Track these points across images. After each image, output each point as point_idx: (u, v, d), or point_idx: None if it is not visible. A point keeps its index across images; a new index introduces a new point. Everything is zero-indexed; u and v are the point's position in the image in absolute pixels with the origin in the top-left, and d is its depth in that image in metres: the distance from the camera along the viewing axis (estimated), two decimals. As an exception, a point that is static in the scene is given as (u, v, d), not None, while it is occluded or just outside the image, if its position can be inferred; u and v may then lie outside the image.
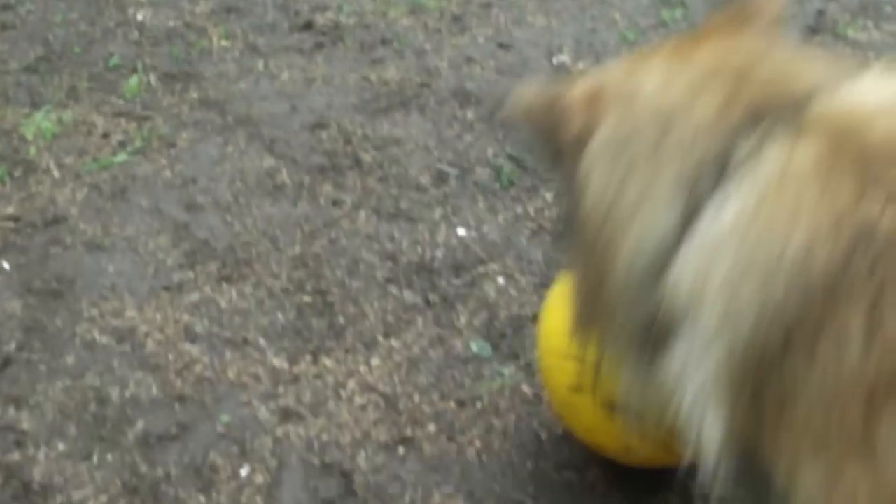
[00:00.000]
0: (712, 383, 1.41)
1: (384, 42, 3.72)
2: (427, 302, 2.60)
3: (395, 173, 3.04)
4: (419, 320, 2.55)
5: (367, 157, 3.10)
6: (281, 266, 2.70)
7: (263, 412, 2.31)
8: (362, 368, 2.42)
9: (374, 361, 2.44)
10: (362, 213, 2.89)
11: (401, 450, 2.24)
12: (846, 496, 1.33)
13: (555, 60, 3.66)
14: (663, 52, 1.55)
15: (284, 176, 3.02)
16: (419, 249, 2.77)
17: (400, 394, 2.36)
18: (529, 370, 2.39)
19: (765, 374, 1.35)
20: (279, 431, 2.27)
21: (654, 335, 1.47)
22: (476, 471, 2.19)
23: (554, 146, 1.57)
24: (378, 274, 2.68)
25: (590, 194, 1.48)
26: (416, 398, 2.35)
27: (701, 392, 1.44)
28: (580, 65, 3.60)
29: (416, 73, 3.52)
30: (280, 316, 2.56)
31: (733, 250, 1.35)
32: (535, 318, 2.42)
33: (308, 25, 3.80)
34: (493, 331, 2.52)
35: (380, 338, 2.50)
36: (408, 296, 2.62)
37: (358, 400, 2.35)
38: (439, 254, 2.75)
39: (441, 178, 3.03)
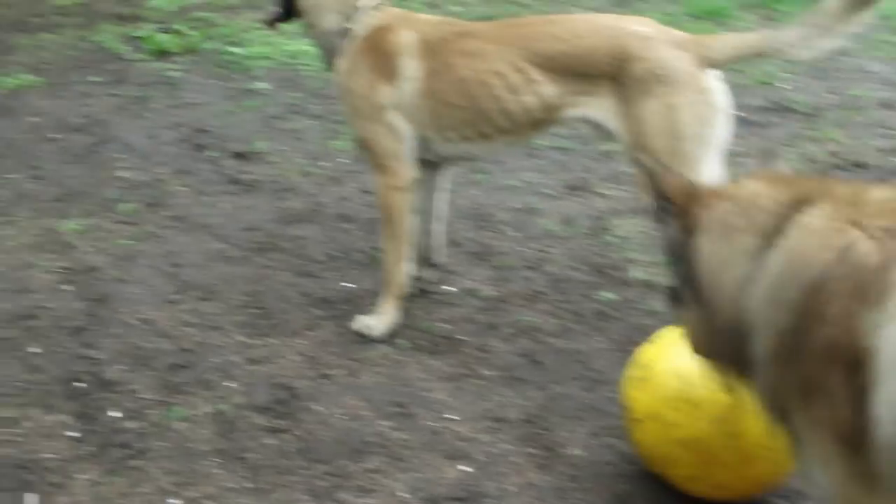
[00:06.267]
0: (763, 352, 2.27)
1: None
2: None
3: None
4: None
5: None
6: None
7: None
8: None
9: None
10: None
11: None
12: (815, 425, 2.14)
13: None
14: (720, 188, 2.52)
15: None
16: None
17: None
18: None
19: (788, 344, 2.18)
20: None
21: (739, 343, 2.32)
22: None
23: (676, 219, 2.47)
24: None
25: (704, 256, 2.36)
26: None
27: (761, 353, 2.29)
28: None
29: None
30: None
31: (778, 273, 2.22)
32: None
33: None
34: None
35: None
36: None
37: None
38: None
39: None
